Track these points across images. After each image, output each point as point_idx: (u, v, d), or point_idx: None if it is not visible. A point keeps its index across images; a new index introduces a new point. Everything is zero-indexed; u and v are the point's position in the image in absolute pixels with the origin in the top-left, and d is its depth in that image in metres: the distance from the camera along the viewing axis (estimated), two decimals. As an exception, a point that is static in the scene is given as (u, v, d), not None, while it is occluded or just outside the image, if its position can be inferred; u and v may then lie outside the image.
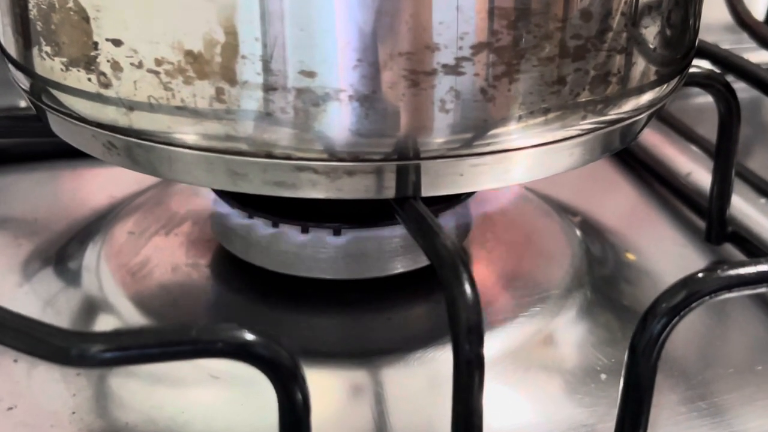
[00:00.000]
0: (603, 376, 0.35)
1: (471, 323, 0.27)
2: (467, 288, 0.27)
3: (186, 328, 0.24)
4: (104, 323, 0.37)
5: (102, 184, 0.49)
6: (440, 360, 0.35)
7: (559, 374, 0.36)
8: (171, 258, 0.41)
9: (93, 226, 0.44)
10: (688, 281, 0.28)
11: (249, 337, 0.25)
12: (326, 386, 0.34)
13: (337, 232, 0.37)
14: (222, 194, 0.39)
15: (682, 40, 0.35)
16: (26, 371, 0.35)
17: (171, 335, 0.24)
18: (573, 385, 0.35)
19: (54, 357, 0.24)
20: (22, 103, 0.54)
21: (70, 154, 0.48)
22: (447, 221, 0.38)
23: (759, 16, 0.64)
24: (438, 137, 0.30)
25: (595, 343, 0.37)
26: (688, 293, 0.28)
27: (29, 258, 0.43)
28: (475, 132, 0.30)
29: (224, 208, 0.39)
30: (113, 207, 0.46)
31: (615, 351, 0.37)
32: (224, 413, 0.33)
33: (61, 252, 0.43)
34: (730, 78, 0.42)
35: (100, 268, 0.40)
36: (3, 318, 0.25)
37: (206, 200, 0.41)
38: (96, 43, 0.30)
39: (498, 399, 0.34)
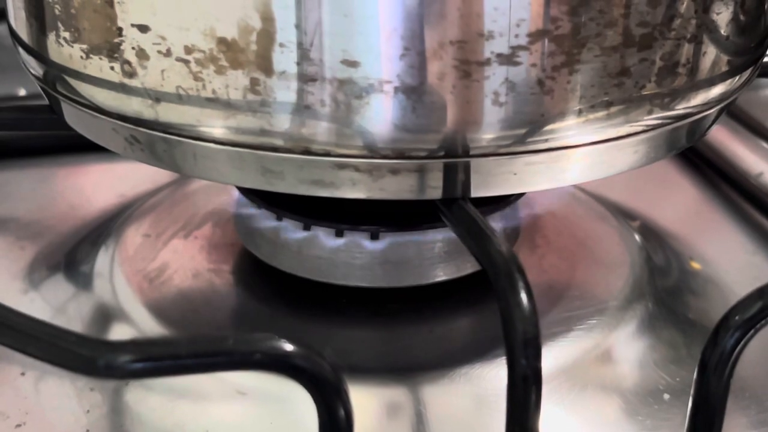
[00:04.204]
0: (666, 397, 0.36)
1: (528, 336, 0.28)
2: (524, 297, 0.28)
3: (222, 337, 0.26)
4: (119, 333, 0.39)
5: (111, 181, 0.50)
6: (488, 377, 0.36)
7: (618, 394, 0.36)
8: (191, 263, 0.42)
9: (104, 228, 0.45)
10: (764, 291, 0.29)
11: (289, 348, 0.26)
12: (362, 405, 0.34)
13: (374, 236, 0.38)
14: (248, 193, 0.40)
15: (756, 27, 0.36)
16: (34, 385, 0.36)
17: (206, 345, 0.26)
18: (633, 405, 0.36)
19: (79, 367, 0.26)
20: (22, 92, 0.56)
21: (74, 149, 0.50)
22: (495, 225, 0.39)
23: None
24: (490, 133, 0.31)
25: (657, 361, 0.38)
26: (764, 304, 0.29)
27: (34, 263, 0.44)
28: (530, 127, 0.32)
29: (250, 208, 0.40)
30: (125, 207, 0.47)
31: (679, 369, 0.37)
32: (252, 432, 0.34)
33: (70, 256, 0.44)
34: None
35: (114, 274, 0.42)
36: (23, 324, 0.26)
37: (229, 199, 0.42)
38: (120, 29, 0.31)
39: (551, 420, 0.35)
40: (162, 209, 0.46)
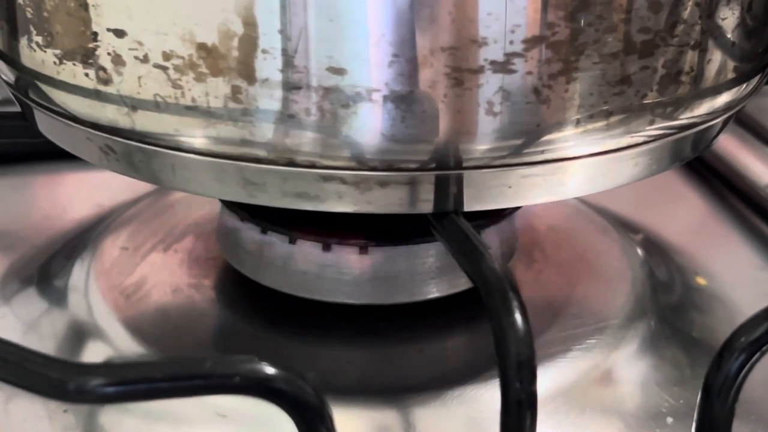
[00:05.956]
0: (669, 420, 0.36)
1: (522, 358, 0.28)
2: (518, 318, 0.28)
3: (199, 360, 0.25)
4: (94, 352, 0.38)
5: (88, 190, 0.50)
6: (482, 399, 0.36)
7: (619, 417, 0.36)
8: (170, 278, 0.42)
9: (80, 240, 0.45)
10: (771, 312, 0.29)
11: (270, 371, 0.26)
12: (349, 428, 0.35)
13: (363, 250, 0.38)
14: (231, 205, 0.40)
15: (764, 31, 0.36)
16: (4, 406, 0.36)
17: (182, 368, 0.25)
18: (634, 429, 0.36)
19: (48, 391, 0.25)
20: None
21: (50, 156, 0.50)
22: (491, 239, 0.39)
23: None
24: (483, 144, 0.31)
25: (660, 382, 0.38)
26: (771, 326, 0.29)
27: (6, 276, 0.44)
28: (526, 138, 0.31)
29: (233, 221, 0.40)
30: (102, 218, 0.47)
31: (683, 391, 0.37)
32: (233, 457, 0.34)
33: (44, 269, 0.44)
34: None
35: (89, 289, 0.41)
36: (-12, 345, 0.26)
37: (211, 211, 0.42)
38: (95, 34, 0.31)
39: (548, 445, 0.35)
40: (141, 221, 0.46)
